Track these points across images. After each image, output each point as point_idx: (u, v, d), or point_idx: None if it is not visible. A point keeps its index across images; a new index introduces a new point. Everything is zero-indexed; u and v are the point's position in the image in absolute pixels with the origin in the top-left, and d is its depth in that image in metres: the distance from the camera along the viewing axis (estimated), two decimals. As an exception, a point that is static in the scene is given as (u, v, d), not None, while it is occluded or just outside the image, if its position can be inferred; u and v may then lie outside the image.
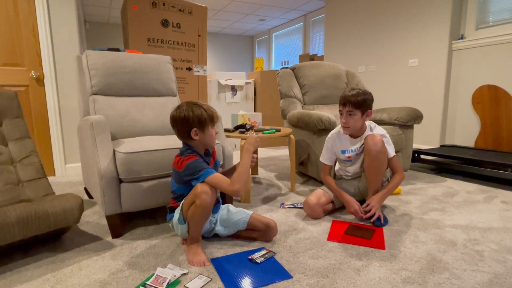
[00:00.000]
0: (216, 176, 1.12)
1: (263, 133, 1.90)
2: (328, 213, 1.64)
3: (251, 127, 2.05)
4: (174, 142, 1.44)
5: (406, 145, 2.24)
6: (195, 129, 1.18)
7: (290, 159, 2.03)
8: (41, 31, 2.33)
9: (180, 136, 1.21)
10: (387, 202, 1.78)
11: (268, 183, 2.28)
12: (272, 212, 1.67)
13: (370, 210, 1.47)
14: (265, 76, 3.99)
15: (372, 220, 1.46)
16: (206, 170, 1.13)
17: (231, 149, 1.72)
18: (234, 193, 1.10)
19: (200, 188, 1.10)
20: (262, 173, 2.60)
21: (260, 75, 3.96)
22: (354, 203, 1.53)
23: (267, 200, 1.87)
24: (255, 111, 4.11)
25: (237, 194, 1.11)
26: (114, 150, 1.36)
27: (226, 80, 3.78)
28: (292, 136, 2.01)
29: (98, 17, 5.62)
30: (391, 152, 1.54)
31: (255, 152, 2.46)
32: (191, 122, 1.16)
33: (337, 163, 1.77)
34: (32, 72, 2.34)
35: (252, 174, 2.52)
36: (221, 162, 1.61)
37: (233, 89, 3.85)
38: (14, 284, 1.06)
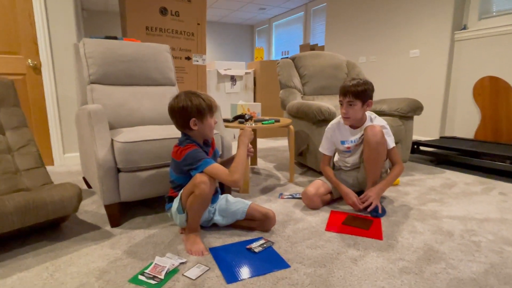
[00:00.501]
0: (215, 167, 1.12)
1: (262, 123, 1.89)
2: (327, 203, 1.64)
3: (250, 117, 2.03)
4: (173, 131, 1.44)
5: (406, 136, 2.23)
6: (193, 119, 1.17)
7: (289, 149, 2.03)
8: (38, 19, 2.29)
9: (179, 126, 1.21)
10: (385, 193, 1.78)
11: (267, 173, 2.28)
12: (271, 202, 1.67)
13: (367, 200, 1.47)
14: (265, 66, 3.95)
15: (369, 210, 1.46)
16: (205, 160, 1.12)
17: (230, 139, 1.71)
18: (232, 183, 1.10)
19: (199, 178, 1.10)
20: (261, 163, 2.60)
21: (260, 65, 3.92)
22: (352, 195, 1.53)
23: (265, 190, 1.88)
24: (254, 101, 4.09)
25: (236, 185, 1.10)
26: (112, 140, 1.35)
27: (225, 70, 3.74)
28: (291, 126, 2.00)
29: (95, 5, 5.53)
30: (391, 143, 1.54)
31: (254, 143, 2.45)
32: (189, 112, 1.15)
33: (336, 154, 1.76)
34: (29, 60, 2.31)
35: (251, 165, 2.52)
36: (220, 152, 1.61)
37: (233, 79, 3.82)
38: (13, 272, 1.07)
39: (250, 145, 1.27)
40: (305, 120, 2.16)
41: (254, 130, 2.44)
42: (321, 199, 1.59)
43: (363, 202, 1.47)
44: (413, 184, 1.99)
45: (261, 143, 3.64)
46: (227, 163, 1.36)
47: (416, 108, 2.19)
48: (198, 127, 1.19)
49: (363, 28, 3.97)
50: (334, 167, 1.79)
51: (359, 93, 1.45)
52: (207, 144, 1.28)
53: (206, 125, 1.20)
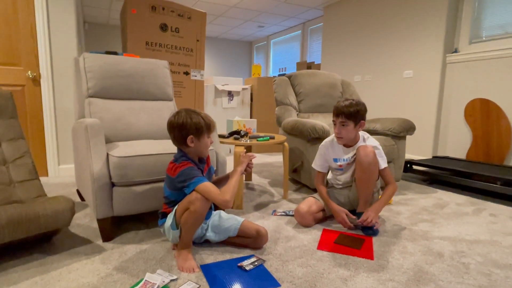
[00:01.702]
0: (207, 185, 1.13)
1: (257, 140, 1.91)
2: (319, 221, 1.65)
3: (246, 134, 2.06)
4: (168, 147, 1.45)
5: (399, 156, 2.27)
6: (191, 136, 1.19)
7: (284, 166, 2.05)
8: (39, 32, 2.33)
9: (176, 142, 1.22)
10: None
11: (261, 189, 2.29)
12: (264, 219, 1.68)
13: (370, 221, 1.46)
14: (262, 83, 4.01)
15: (362, 223, 1.46)
16: (198, 178, 1.14)
17: (224, 155, 1.73)
18: (223, 203, 1.11)
19: (195, 194, 1.11)
20: (255, 179, 2.61)
21: (257, 81, 3.98)
22: (341, 212, 1.55)
23: (259, 206, 1.88)
24: (251, 117, 4.12)
25: (226, 205, 1.12)
26: (107, 154, 1.36)
27: (223, 85, 3.80)
28: (286, 143, 2.03)
29: (97, 18, 5.63)
30: (383, 163, 1.56)
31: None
32: (188, 129, 1.18)
33: (330, 172, 1.78)
34: (29, 72, 2.34)
35: (245, 180, 2.52)
36: (215, 169, 1.62)
37: (230, 94, 3.87)
38: (1, 286, 1.06)
39: (251, 161, 1.29)
40: (300, 138, 2.18)
41: (249, 148, 2.46)
42: (314, 217, 1.60)
43: (363, 222, 1.46)
44: (406, 203, 2.01)
45: (256, 158, 3.65)
46: (221, 181, 1.37)
47: (408, 128, 2.24)
48: (194, 144, 1.21)
49: (358, 48, 4.08)
50: (327, 184, 1.81)
51: (351, 114, 1.48)
52: (202, 161, 1.30)
53: (202, 143, 1.22)
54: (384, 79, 3.75)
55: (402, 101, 3.56)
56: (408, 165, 2.64)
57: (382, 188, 1.74)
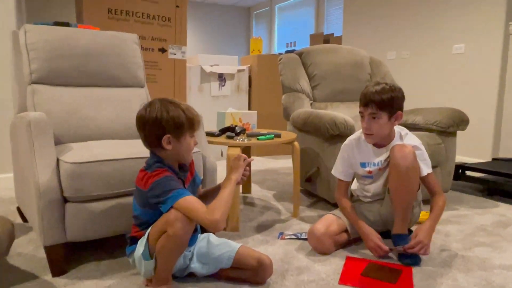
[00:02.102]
0: (189, 200, 1.13)
1: (258, 139, 1.91)
2: (341, 246, 1.64)
3: (243, 131, 2.06)
4: (140, 149, 1.44)
5: (447, 158, 2.26)
6: (168, 135, 1.19)
7: (294, 173, 2.04)
8: (-34, -3, 2.32)
9: (147, 143, 1.22)
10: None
11: (263, 205, 2.28)
12: (268, 244, 1.67)
13: (420, 248, 1.44)
14: (264, 62, 4.00)
15: (406, 250, 1.45)
16: (178, 192, 1.14)
17: (214, 159, 1.73)
18: (212, 224, 1.10)
19: (174, 213, 1.10)
20: (256, 191, 2.60)
21: (257, 60, 3.98)
22: (373, 236, 1.54)
23: (261, 228, 1.87)
24: (249, 108, 4.12)
25: (216, 227, 1.11)
26: (58, 159, 1.36)
27: (212, 66, 3.80)
28: (296, 143, 2.02)
29: (43, -21, 5.63)
30: (426, 168, 1.56)
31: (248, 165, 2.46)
32: (164, 125, 1.18)
33: (354, 180, 1.78)
34: (-48, 51, 2.34)
35: (242, 192, 2.52)
36: (202, 178, 1.61)
37: (221, 78, 3.87)
38: None
39: (246, 170, 1.29)
40: (315, 135, 2.18)
41: (247, 149, 2.46)
42: (334, 240, 1.59)
43: (409, 249, 1.45)
44: (457, 221, 2.00)
45: (257, 163, 3.66)
46: (210, 194, 1.37)
47: (459, 121, 2.24)
48: (173, 146, 1.20)
49: (392, 16, 4.07)
50: (351, 197, 1.80)
51: (385, 102, 1.48)
52: (184, 169, 1.30)
53: (183, 145, 1.22)
54: (426, 56, 3.75)
55: (450, 85, 3.56)
56: (460, 171, 2.64)
57: (425, 202, 1.74)
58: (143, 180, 1.18)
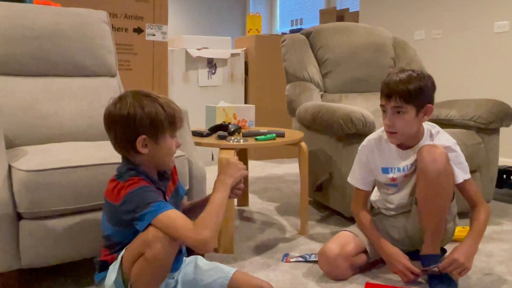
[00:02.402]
0: (172, 216, 1.12)
1: (257, 139, 1.91)
2: (359, 270, 1.64)
3: (238, 129, 2.06)
4: (112, 153, 1.42)
5: (488, 161, 2.27)
6: (143, 136, 1.19)
7: (301, 181, 2.04)
8: None
9: (118, 146, 1.22)
10: (449, 250, 1.79)
11: (264, 220, 2.28)
12: (269, 269, 1.67)
13: (456, 268, 1.45)
14: (263, 44, 3.99)
15: (434, 268, 1.45)
16: (157, 205, 1.13)
17: (203, 165, 1.73)
18: (199, 244, 1.10)
19: (153, 232, 1.10)
20: (255, 203, 2.60)
21: (255, 42, 3.98)
22: (400, 257, 1.55)
23: (261, 248, 1.87)
24: (246, 101, 4.11)
25: (205, 247, 1.11)
26: (10, 166, 1.35)
27: (199, 49, 3.79)
28: (303, 144, 2.02)
29: None
30: (462, 173, 1.57)
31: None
32: (138, 125, 1.17)
33: (375, 189, 1.79)
34: None
35: (238, 205, 2.53)
36: (187, 188, 1.62)
37: (211, 64, 3.87)
38: None
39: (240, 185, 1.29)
40: (327, 134, 2.18)
41: (244, 152, 2.46)
42: (350, 263, 1.60)
43: (444, 269, 1.45)
44: (500, 238, 2.01)
45: (256, 168, 3.65)
46: (198, 208, 1.37)
47: (503, 115, 2.24)
48: (149, 150, 1.20)
49: (420, -14, 4.07)
50: (371, 209, 1.81)
51: (412, 94, 1.49)
52: (165, 177, 1.29)
53: (163, 148, 1.22)
54: (462, 36, 3.75)
55: (492, 71, 3.57)
56: (504, 176, 2.65)
57: (461, 215, 1.74)
58: (114, 191, 1.18)
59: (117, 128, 1.19)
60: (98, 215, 1.39)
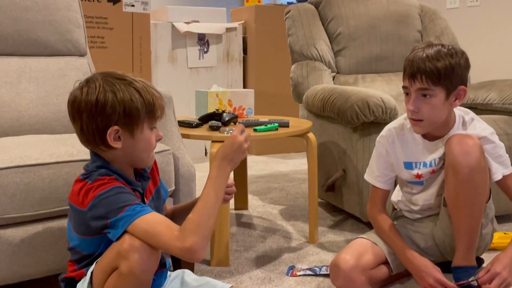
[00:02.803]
0: (151, 220, 1.11)
1: (256, 130, 1.90)
2: (379, 285, 1.64)
3: (234, 118, 2.05)
4: (78, 149, 1.43)
5: (534, 154, 2.26)
6: (115, 128, 1.17)
7: (309, 179, 2.03)
8: None
9: (85, 139, 1.21)
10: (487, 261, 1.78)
11: (266, 226, 2.27)
12: (272, 284, 1.67)
13: (491, 279, 1.45)
14: (265, 17, 3.98)
15: (474, 283, 1.46)
16: (133, 209, 1.12)
17: (191, 162, 1.71)
18: (185, 253, 1.09)
19: (129, 240, 1.09)
20: (255, 206, 2.59)
21: (255, 15, 3.96)
22: (431, 269, 1.53)
23: (262, 260, 1.87)
24: (244, 85, 4.10)
25: (192, 257, 1.10)
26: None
27: (188, 23, 3.78)
28: (312, 136, 2.01)
29: None
30: (501, 168, 1.56)
31: (242, 168, 2.45)
32: (109, 113, 1.16)
33: (397, 188, 1.78)
34: None
35: (235, 209, 2.52)
36: (171, 189, 1.61)
37: (203, 41, 3.85)
38: None
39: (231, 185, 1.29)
40: (339, 124, 2.17)
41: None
42: (368, 277, 1.58)
43: (485, 282, 1.45)
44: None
45: (257, 165, 3.65)
46: (184, 212, 1.34)
47: (553, 98, 2.23)
48: (123, 144, 1.19)
49: None
50: (392, 212, 1.79)
51: (440, 73, 1.47)
52: (143, 176, 1.29)
53: (139, 142, 1.21)
54: (503, 4, 3.72)
55: (539, 46, 3.54)
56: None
57: (499, 218, 1.73)
58: (80, 194, 1.17)
59: (83, 118, 1.17)
60: (64, 222, 1.37)
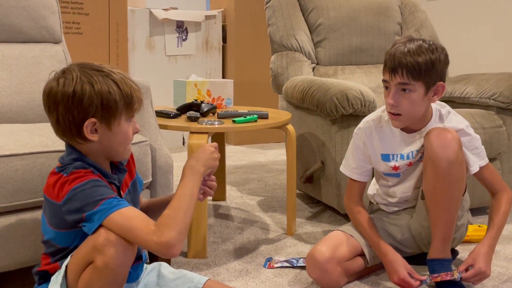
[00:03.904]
0: (127, 214, 1.11)
1: (235, 121, 1.90)
2: (355, 276, 1.65)
3: (213, 108, 2.05)
4: (53, 140, 1.41)
5: (510, 147, 2.28)
6: (93, 120, 1.16)
7: (288, 171, 2.03)
8: None
9: (61, 131, 1.19)
10: (462, 254, 1.81)
11: (244, 217, 2.27)
12: (249, 276, 1.67)
13: (474, 276, 1.49)
14: (245, 4, 3.96)
15: (458, 275, 1.48)
16: (109, 202, 1.12)
17: (168, 153, 1.70)
18: (162, 248, 1.09)
19: (104, 234, 1.09)
20: (233, 197, 2.59)
21: (234, 3, 3.94)
22: (400, 266, 1.54)
23: (240, 252, 1.87)
24: (223, 75, 4.08)
25: (168, 252, 1.09)
26: None
27: (166, 10, 3.74)
28: (291, 127, 2.02)
29: None
30: (477, 160, 1.58)
31: (221, 160, 2.45)
32: (86, 105, 1.15)
33: (372, 181, 1.79)
34: None
35: (213, 200, 2.52)
36: (148, 181, 1.61)
37: (181, 28, 3.82)
38: None
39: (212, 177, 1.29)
40: (318, 115, 2.18)
41: (220, 137, 2.45)
42: (344, 269, 1.60)
43: (469, 279, 1.49)
44: (523, 239, 2.03)
45: (235, 155, 3.65)
46: (161, 206, 1.33)
47: (530, 92, 2.25)
48: (100, 136, 1.18)
49: None
50: (369, 206, 1.81)
51: (421, 68, 1.48)
52: (120, 168, 1.29)
53: (117, 135, 1.20)
54: (482, -2, 3.74)
55: (516, 40, 3.57)
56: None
57: (474, 211, 1.75)
58: (55, 187, 1.16)
59: (59, 109, 1.16)
60: (38, 214, 1.36)
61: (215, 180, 1.32)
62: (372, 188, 1.77)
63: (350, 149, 1.71)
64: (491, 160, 1.73)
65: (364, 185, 1.71)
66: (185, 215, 1.14)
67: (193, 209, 1.17)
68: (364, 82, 2.51)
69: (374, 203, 1.78)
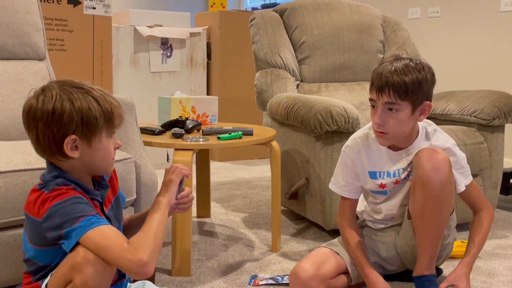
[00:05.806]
0: (103, 232, 1.10)
1: (220, 138, 1.90)
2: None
3: (198, 125, 2.04)
4: (36, 157, 1.38)
5: (491, 164, 2.30)
6: (73, 137, 1.16)
7: (272, 187, 2.03)
8: None
9: (41, 149, 1.19)
10: (445, 270, 1.81)
11: (228, 234, 2.26)
12: (233, 294, 1.66)
13: None
14: (229, 22, 3.97)
15: None
16: (88, 220, 1.11)
17: (153, 170, 1.69)
18: (134, 267, 1.07)
19: (83, 253, 1.08)
20: (218, 214, 2.58)
21: (219, 20, 3.95)
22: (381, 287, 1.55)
23: (224, 269, 1.87)
24: (208, 91, 4.08)
25: (141, 272, 1.08)
26: None
27: (151, 27, 3.75)
28: (275, 144, 2.01)
29: None
30: (463, 179, 1.59)
31: (206, 173, 2.44)
32: (66, 123, 1.14)
33: (361, 198, 1.79)
34: None
35: (198, 217, 2.50)
36: (132, 198, 1.60)
37: (166, 45, 3.83)
38: None
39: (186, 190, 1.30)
40: (303, 132, 2.18)
41: (205, 153, 2.44)
42: (327, 286, 1.58)
43: None
44: (504, 254, 2.03)
45: (220, 171, 3.63)
46: (140, 221, 1.32)
47: (510, 109, 2.26)
48: (81, 153, 1.18)
49: (414, -43, 4.11)
50: (358, 221, 1.81)
51: (408, 88, 1.48)
52: (102, 185, 1.28)
53: (98, 151, 1.19)
54: (463, 15, 3.80)
55: (497, 56, 3.62)
56: (511, 181, 2.69)
57: (458, 227, 1.76)
58: (36, 204, 1.15)
59: (39, 127, 1.15)
60: (21, 233, 1.34)
61: (189, 192, 1.33)
62: (361, 205, 1.77)
63: (338, 166, 1.71)
64: (473, 176, 1.74)
65: (355, 202, 1.71)
66: (155, 238, 1.14)
67: (163, 234, 1.18)
68: (348, 99, 2.52)
69: (360, 219, 1.78)
